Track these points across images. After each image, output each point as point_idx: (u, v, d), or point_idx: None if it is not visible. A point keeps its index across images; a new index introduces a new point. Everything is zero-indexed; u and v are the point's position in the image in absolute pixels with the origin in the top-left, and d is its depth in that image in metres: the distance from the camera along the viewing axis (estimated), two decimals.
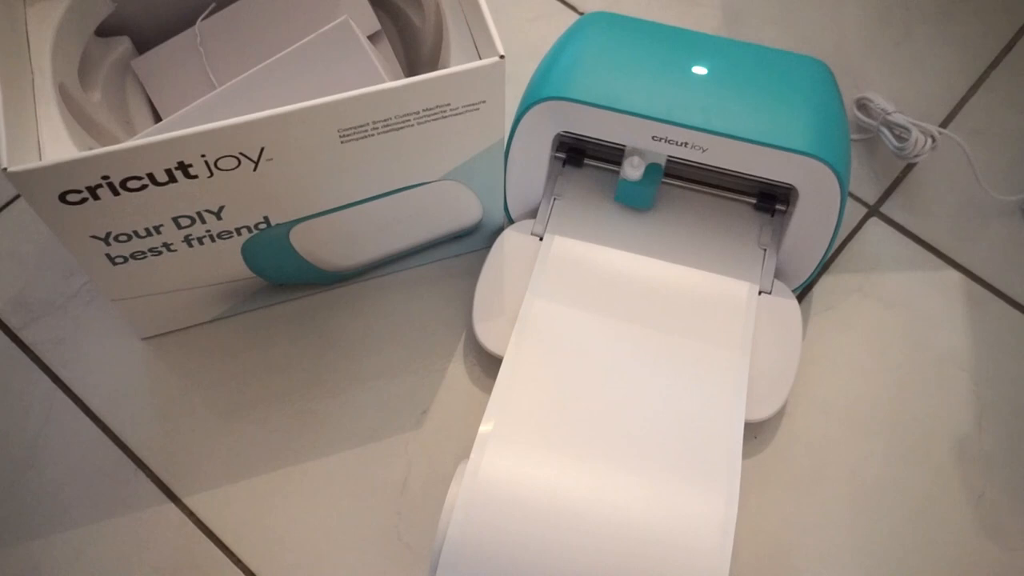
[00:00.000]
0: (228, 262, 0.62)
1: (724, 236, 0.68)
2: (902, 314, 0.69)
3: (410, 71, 0.69)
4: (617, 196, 0.68)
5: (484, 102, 0.56)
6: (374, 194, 0.61)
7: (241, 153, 0.54)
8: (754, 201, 0.69)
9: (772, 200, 0.68)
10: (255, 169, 0.55)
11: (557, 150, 0.69)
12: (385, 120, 0.55)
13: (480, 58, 0.56)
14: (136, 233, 0.57)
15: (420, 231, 0.66)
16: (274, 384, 0.66)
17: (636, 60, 0.64)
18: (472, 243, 0.70)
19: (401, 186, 0.61)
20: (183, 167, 0.53)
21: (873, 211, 0.73)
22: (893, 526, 0.62)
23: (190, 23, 0.67)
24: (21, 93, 0.55)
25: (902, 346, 0.68)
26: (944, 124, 0.77)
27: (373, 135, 0.56)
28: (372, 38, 0.67)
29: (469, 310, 0.68)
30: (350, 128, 0.55)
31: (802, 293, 0.70)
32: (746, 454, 0.64)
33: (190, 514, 0.62)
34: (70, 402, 0.66)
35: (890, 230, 0.72)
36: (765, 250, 0.67)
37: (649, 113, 0.62)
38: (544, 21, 0.82)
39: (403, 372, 0.67)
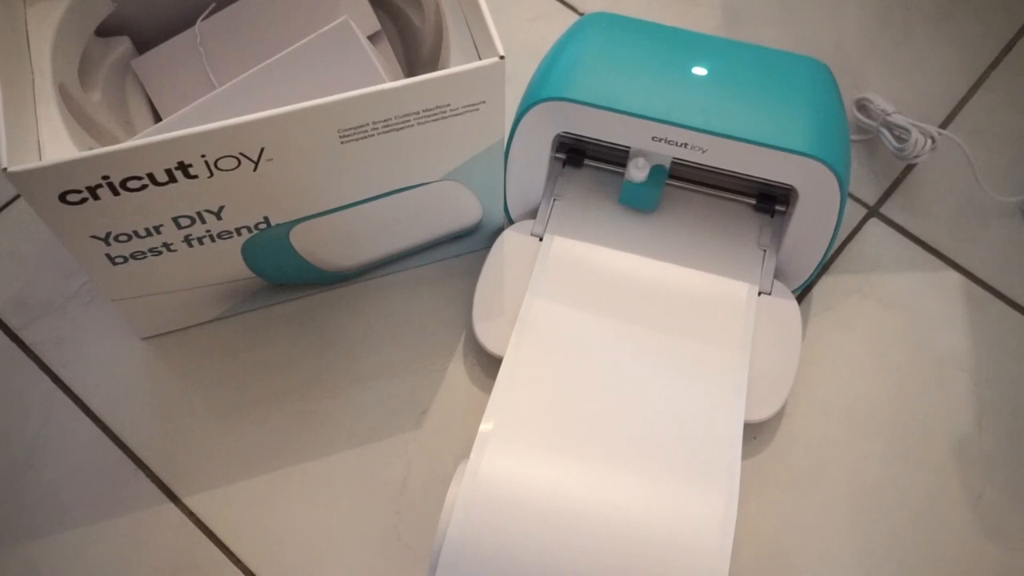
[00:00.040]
0: (228, 262, 0.62)
1: (724, 237, 0.68)
2: (902, 315, 0.69)
3: (410, 71, 0.69)
4: (622, 198, 0.68)
5: (484, 102, 0.56)
6: (374, 194, 0.61)
7: (241, 153, 0.54)
8: (754, 202, 0.69)
9: (772, 201, 0.68)
10: (255, 169, 0.55)
11: (557, 151, 0.69)
12: (385, 120, 0.55)
13: (480, 58, 0.56)
14: (136, 233, 0.57)
15: (420, 231, 0.66)
16: (274, 384, 0.66)
17: (636, 61, 0.64)
18: (472, 243, 0.70)
19: (401, 186, 0.61)
20: (183, 167, 0.53)
21: (873, 212, 0.73)
22: (893, 526, 0.62)
23: (190, 23, 0.67)
24: (21, 93, 0.55)
25: (902, 347, 0.68)
26: (944, 125, 0.77)
27: (373, 135, 0.56)
28: (372, 38, 0.67)
29: (469, 310, 0.68)
30: (350, 128, 0.55)
31: (802, 294, 0.70)
32: (746, 455, 0.64)
33: (190, 514, 0.62)
34: (70, 402, 0.66)
35: (890, 231, 0.72)
36: (765, 251, 0.67)
37: (649, 114, 0.62)
38: (544, 21, 0.82)
39: (403, 372, 0.67)
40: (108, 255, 0.58)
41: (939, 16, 0.82)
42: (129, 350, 0.67)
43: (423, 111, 0.55)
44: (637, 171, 0.66)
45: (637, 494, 0.56)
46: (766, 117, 0.62)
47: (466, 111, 0.56)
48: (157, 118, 0.68)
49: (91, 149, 0.51)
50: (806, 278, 0.67)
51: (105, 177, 0.52)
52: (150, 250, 0.59)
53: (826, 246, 0.65)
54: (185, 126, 0.51)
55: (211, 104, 0.59)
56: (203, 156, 0.53)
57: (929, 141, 0.71)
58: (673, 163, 0.67)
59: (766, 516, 0.62)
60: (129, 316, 0.65)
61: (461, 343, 0.68)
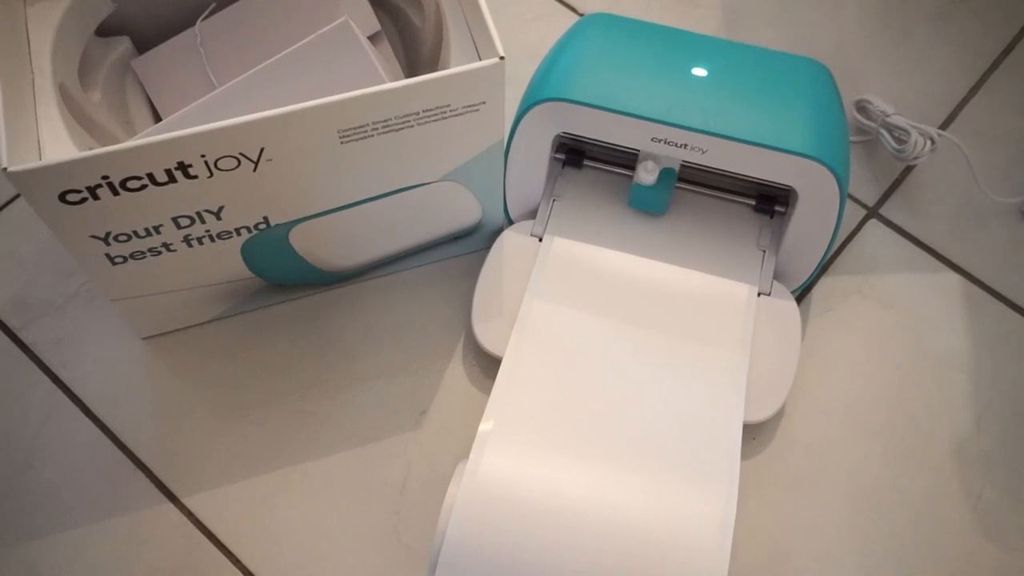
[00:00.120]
0: (228, 262, 0.62)
1: (723, 237, 0.68)
2: (901, 316, 0.69)
3: (410, 71, 0.69)
4: (631, 201, 0.68)
5: (484, 103, 0.56)
6: (374, 195, 0.61)
7: (241, 153, 0.54)
8: (753, 203, 0.69)
9: (771, 202, 0.68)
10: (255, 169, 0.55)
11: (557, 151, 0.69)
12: (385, 121, 0.55)
13: (480, 59, 0.56)
14: (136, 233, 0.57)
15: (419, 232, 0.66)
16: (274, 384, 0.66)
17: (636, 61, 0.64)
18: (471, 244, 0.70)
19: (401, 187, 0.61)
20: (183, 167, 0.53)
21: (872, 213, 0.73)
22: (892, 526, 0.62)
23: (190, 23, 0.67)
24: (21, 93, 0.55)
25: (901, 347, 0.68)
26: (943, 126, 0.77)
27: (373, 136, 0.56)
28: (372, 38, 0.67)
29: (468, 311, 0.68)
30: (350, 129, 0.55)
31: (801, 294, 0.70)
32: (745, 455, 0.64)
33: (189, 514, 0.62)
34: (69, 402, 0.66)
35: (889, 232, 0.73)
36: (764, 252, 0.67)
37: (648, 115, 0.62)
38: (544, 22, 0.82)
39: (402, 372, 0.67)
40: (108, 255, 0.58)
41: (939, 17, 0.82)
42: (129, 350, 0.67)
43: (423, 111, 0.55)
44: (646, 174, 0.66)
45: (637, 494, 0.56)
46: (766, 118, 0.62)
47: (466, 111, 0.57)
48: (157, 118, 0.68)
49: (91, 149, 0.51)
50: (805, 279, 0.67)
51: (105, 177, 0.52)
52: (150, 250, 0.59)
53: (825, 247, 0.65)
54: (185, 126, 0.51)
55: (211, 104, 0.59)
56: (203, 156, 0.53)
57: (928, 142, 0.71)
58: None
59: (766, 516, 0.62)
60: (129, 316, 0.65)
61: (460, 343, 0.68)
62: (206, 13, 0.67)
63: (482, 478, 0.56)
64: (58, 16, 0.59)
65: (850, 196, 0.74)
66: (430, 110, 0.55)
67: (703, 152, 0.63)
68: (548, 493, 0.55)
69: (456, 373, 0.67)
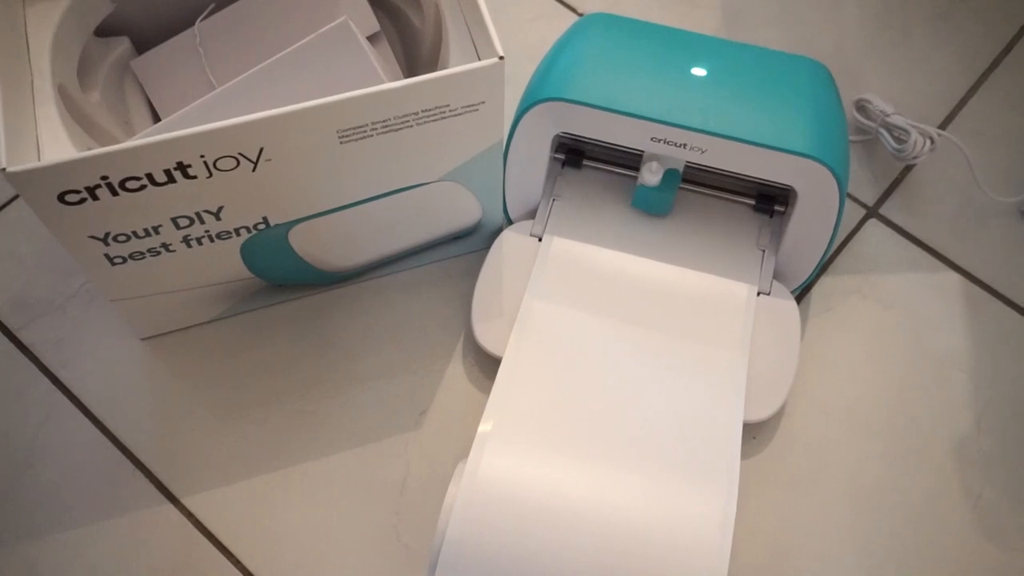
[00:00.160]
0: (227, 262, 0.62)
1: (723, 237, 0.68)
2: (901, 315, 0.69)
3: (409, 71, 0.69)
4: (634, 202, 0.68)
5: (483, 103, 0.56)
6: (373, 195, 0.61)
7: (240, 153, 0.54)
8: (753, 202, 0.69)
9: (771, 201, 0.68)
10: (254, 170, 0.55)
11: (556, 151, 0.69)
12: (384, 121, 0.55)
13: (479, 59, 0.56)
14: (135, 233, 0.57)
15: (419, 232, 0.66)
16: (274, 384, 0.66)
17: (635, 61, 0.64)
18: (471, 244, 0.70)
19: (400, 187, 0.61)
20: (182, 167, 0.53)
21: (872, 212, 0.73)
22: (893, 526, 0.62)
23: (190, 23, 0.67)
24: (20, 93, 0.55)
25: (901, 347, 0.68)
26: (943, 126, 0.77)
27: (372, 136, 0.56)
28: (371, 39, 0.67)
29: (468, 311, 0.68)
30: (349, 129, 0.55)
31: (801, 294, 0.70)
32: (745, 455, 0.64)
33: (189, 515, 0.62)
34: (69, 402, 0.66)
35: (889, 231, 0.73)
36: (764, 251, 0.67)
37: (648, 114, 0.62)
38: (543, 22, 0.82)
39: (402, 372, 0.67)
40: (107, 255, 0.58)
41: (939, 16, 0.82)
42: (128, 350, 0.67)
43: (422, 111, 0.55)
44: (651, 175, 0.66)
45: (636, 494, 0.56)
46: (765, 118, 0.62)
47: (465, 111, 0.56)
48: (156, 118, 0.68)
49: (90, 149, 0.51)
50: (805, 278, 0.67)
51: (104, 177, 0.52)
52: (149, 250, 0.59)
53: (825, 246, 0.65)
54: (184, 126, 0.51)
55: (210, 104, 0.59)
56: (202, 156, 0.53)
57: (928, 142, 0.71)
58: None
59: (766, 516, 0.62)
60: (128, 316, 0.65)
61: (460, 343, 0.68)
62: (205, 13, 0.67)
63: (482, 478, 0.56)
64: (57, 16, 0.59)
65: (850, 196, 0.74)
66: (429, 110, 0.55)
67: (703, 152, 0.63)
68: (548, 493, 0.55)
69: (456, 373, 0.67)
